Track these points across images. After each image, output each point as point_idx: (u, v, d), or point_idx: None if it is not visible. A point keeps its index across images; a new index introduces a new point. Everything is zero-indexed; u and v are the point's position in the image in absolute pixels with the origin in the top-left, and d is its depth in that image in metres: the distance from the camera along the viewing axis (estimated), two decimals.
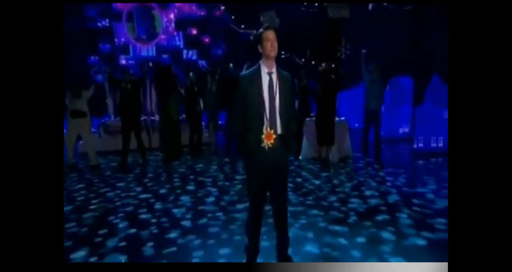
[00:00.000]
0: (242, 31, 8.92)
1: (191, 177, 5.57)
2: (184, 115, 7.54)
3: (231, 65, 7.06)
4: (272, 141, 2.47)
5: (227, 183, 5.16)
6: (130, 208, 4.22)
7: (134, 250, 3.14)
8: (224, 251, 3.08)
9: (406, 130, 8.73)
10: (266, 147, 2.48)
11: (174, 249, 3.15)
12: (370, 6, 6.16)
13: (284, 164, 2.59)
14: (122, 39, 9.94)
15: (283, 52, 9.07)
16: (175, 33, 10.29)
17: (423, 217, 3.78)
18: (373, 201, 4.28)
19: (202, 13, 10.29)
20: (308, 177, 5.41)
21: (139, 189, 4.99)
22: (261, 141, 2.47)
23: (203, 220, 3.78)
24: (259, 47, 2.50)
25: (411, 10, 6.17)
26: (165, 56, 10.29)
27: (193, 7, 10.25)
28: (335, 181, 5.16)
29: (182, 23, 10.24)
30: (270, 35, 2.45)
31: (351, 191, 4.68)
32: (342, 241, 3.23)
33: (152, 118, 8.19)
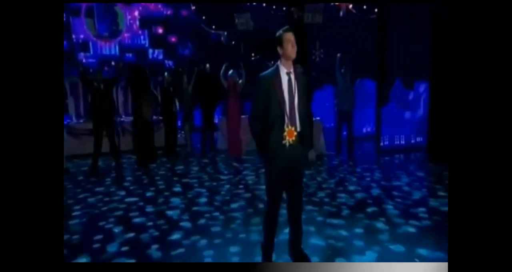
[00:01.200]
0: (213, 31, 8.90)
1: (175, 179, 5.47)
2: (157, 116, 7.36)
3: (207, 65, 7.04)
4: (293, 138, 2.59)
5: (214, 184, 5.16)
6: (119, 213, 4.05)
7: (140, 254, 3.05)
8: (234, 249, 3.11)
9: (369, 129, 9.34)
10: (287, 144, 2.58)
11: (182, 250, 3.12)
12: (341, 13, 6.57)
13: (302, 160, 2.72)
14: (81, 36, 9.40)
15: (253, 54, 9.23)
16: (140, 32, 9.98)
17: (406, 207, 4.13)
18: (358, 195, 4.57)
19: (169, 12, 10.09)
20: None
21: (122, 193, 4.79)
22: (282, 138, 2.57)
23: (202, 221, 3.77)
24: (278, 48, 2.59)
25: (375, 18, 6.68)
26: (129, 55, 9.91)
27: (159, 6, 10.01)
28: (319, 178, 5.41)
29: (147, 22, 9.95)
30: (291, 36, 2.56)
31: (336, 187, 4.95)
32: (343, 232, 3.43)
33: (121, 119, 7.83)
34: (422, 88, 7.82)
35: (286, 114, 2.58)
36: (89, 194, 4.76)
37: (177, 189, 4.93)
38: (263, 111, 2.59)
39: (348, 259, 2.92)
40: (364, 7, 6.56)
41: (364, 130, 9.34)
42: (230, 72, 6.62)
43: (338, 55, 6.20)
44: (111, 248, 3.17)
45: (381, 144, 7.40)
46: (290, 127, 2.58)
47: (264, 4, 8.73)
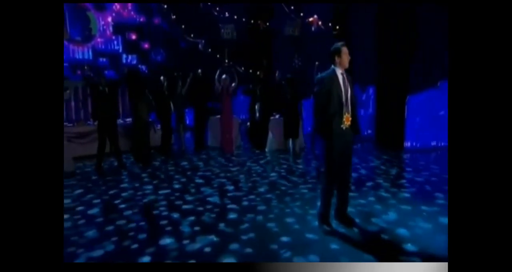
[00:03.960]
0: (191, 39, 9.00)
1: (188, 173, 5.58)
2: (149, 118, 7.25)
3: (199, 71, 7.22)
4: (349, 122, 3.14)
5: (228, 175, 5.43)
6: (164, 203, 4.14)
7: (215, 230, 3.28)
8: (290, 220, 3.52)
9: None
10: (344, 128, 3.13)
11: (247, 225, 3.42)
12: (312, 28, 7.36)
13: (352, 141, 3.28)
14: None
15: (226, 60, 9.55)
16: (113, 37, 9.56)
17: (392, 181, 4.97)
18: (354, 175, 5.29)
19: (141, 19, 9.85)
20: (291, 164, 6.14)
21: (149, 187, 4.81)
22: (342, 123, 3.10)
23: (245, 203, 4.08)
24: (336, 57, 3.11)
25: (339, 34, 7.60)
26: (102, 59, 9.43)
27: (132, 13, 9.72)
28: (313, 165, 6.04)
29: (120, 28, 9.58)
30: (346, 50, 3.10)
31: None
32: (362, 201, 4.08)
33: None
34: (371, 90, 9.03)
35: (344, 104, 3.12)
36: (117, 190, 4.68)
37: (199, 181, 5.10)
38: (326, 104, 3.09)
39: (379, 218, 3.56)
40: (330, 24, 7.43)
41: None
42: (224, 76, 6.91)
43: (316, 63, 6.95)
44: (185, 228, 3.34)
45: None
46: (347, 114, 3.13)
47: (235, 17, 9.11)
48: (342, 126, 3.12)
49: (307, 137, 7.93)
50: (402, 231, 3.23)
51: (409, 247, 2.92)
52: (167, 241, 3.09)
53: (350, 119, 3.15)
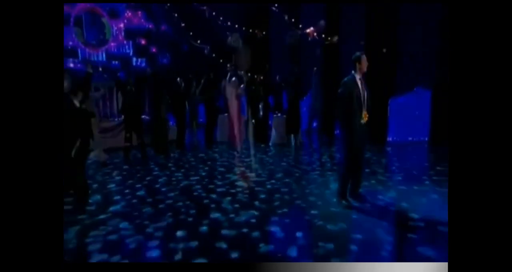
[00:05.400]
0: (197, 45, 9.21)
1: (209, 162, 5.82)
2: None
3: (211, 74, 7.47)
4: (366, 118, 3.54)
5: (245, 164, 5.72)
6: (198, 186, 4.40)
7: (259, 207, 3.58)
8: (312, 198, 3.89)
9: (314, 124, 10.82)
10: (363, 123, 3.53)
11: (277, 203, 3.75)
12: (309, 38, 7.82)
13: (367, 134, 3.68)
14: (70, 43, 8.62)
15: (228, 65, 9.81)
16: (125, 42, 9.58)
17: (384, 167, 5.46)
18: None
19: (150, 26, 9.93)
20: (295, 155, 6.52)
21: (179, 174, 5.03)
22: (361, 119, 3.50)
23: (269, 186, 4.40)
24: (357, 64, 3.50)
25: (333, 44, 8.07)
26: (115, 62, 9.43)
27: (142, 20, 9.78)
28: (315, 156, 6.45)
29: (131, 33, 9.62)
30: (365, 58, 3.50)
31: (332, 160, 6.05)
32: (366, 183, 4.50)
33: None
34: None
35: (363, 103, 3.51)
36: (152, 177, 4.87)
37: (221, 169, 5.37)
38: (348, 104, 3.46)
39: (384, 196, 3.99)
40: (323, 35, 7.91)
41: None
42: (233, 78, 7.19)
43: (315, 68, 7.38)
44: (227, 206, 3.63)
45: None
46: (365, 112, 3.53)
47: (236, 25, 9.40)
48: (361, 121, 3.52)
49: (304, 133, 8.34)
50: (404, 204, 3.68)
51: (414, 215, 3.37)
52: (216, 215, 3.37)
53: (367, 116, 3.55)
